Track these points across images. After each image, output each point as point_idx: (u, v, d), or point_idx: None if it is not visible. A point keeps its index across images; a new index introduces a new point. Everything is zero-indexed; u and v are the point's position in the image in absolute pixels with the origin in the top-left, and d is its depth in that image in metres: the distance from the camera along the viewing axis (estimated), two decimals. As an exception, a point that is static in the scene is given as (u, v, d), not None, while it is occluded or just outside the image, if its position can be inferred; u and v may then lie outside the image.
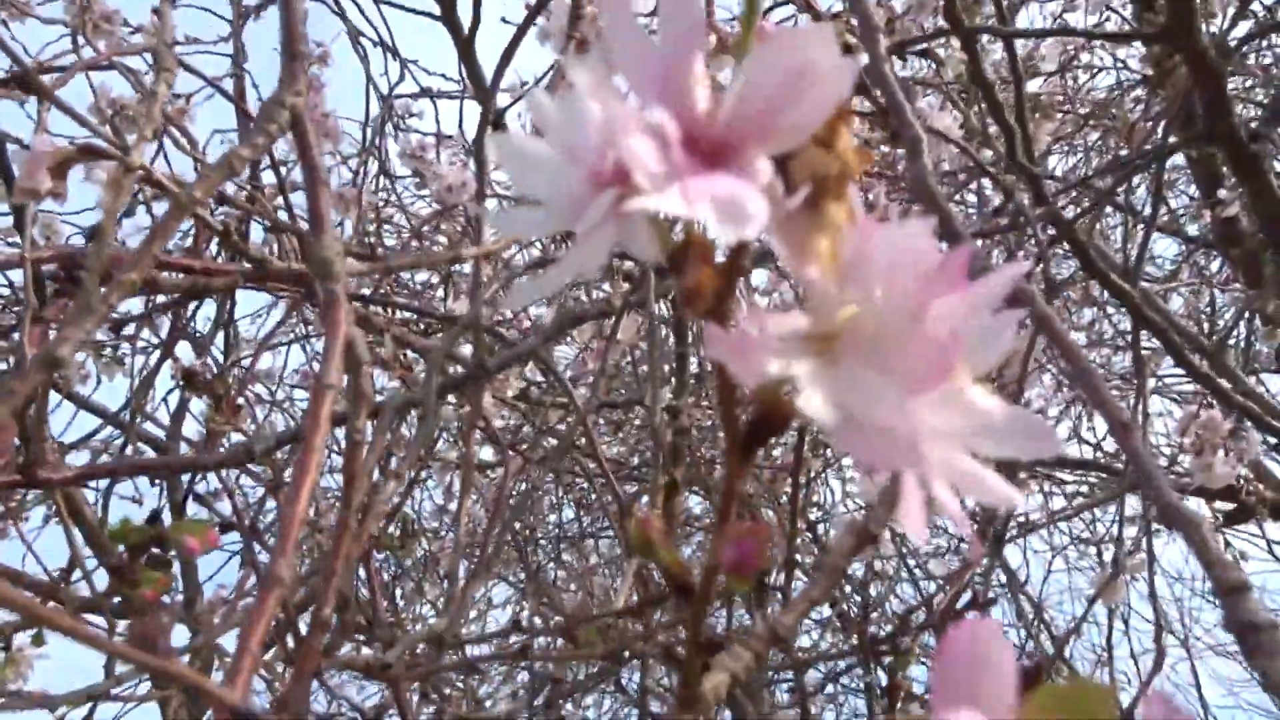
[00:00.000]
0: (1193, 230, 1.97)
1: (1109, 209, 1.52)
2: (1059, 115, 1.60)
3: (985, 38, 1.16)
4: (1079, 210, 1.08)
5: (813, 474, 1.93)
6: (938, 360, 0.23)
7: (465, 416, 1.23)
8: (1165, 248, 2.72)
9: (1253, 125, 0.99)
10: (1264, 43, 1.47)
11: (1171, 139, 1.17)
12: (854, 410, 0.23)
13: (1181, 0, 0.93)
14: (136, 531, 0.58)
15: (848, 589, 1.88)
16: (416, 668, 0.67)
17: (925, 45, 1.02)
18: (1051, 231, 1.06)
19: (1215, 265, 2.03)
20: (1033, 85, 1.69)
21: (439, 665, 0.67)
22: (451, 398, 1.25)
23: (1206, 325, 1.87)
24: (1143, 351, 1.18)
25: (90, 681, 0.75)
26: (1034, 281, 1.22)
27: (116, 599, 0.64)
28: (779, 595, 1.72)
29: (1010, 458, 0.27)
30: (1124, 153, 1.33)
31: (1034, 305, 0.48)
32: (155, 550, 0.78)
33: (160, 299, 0.92)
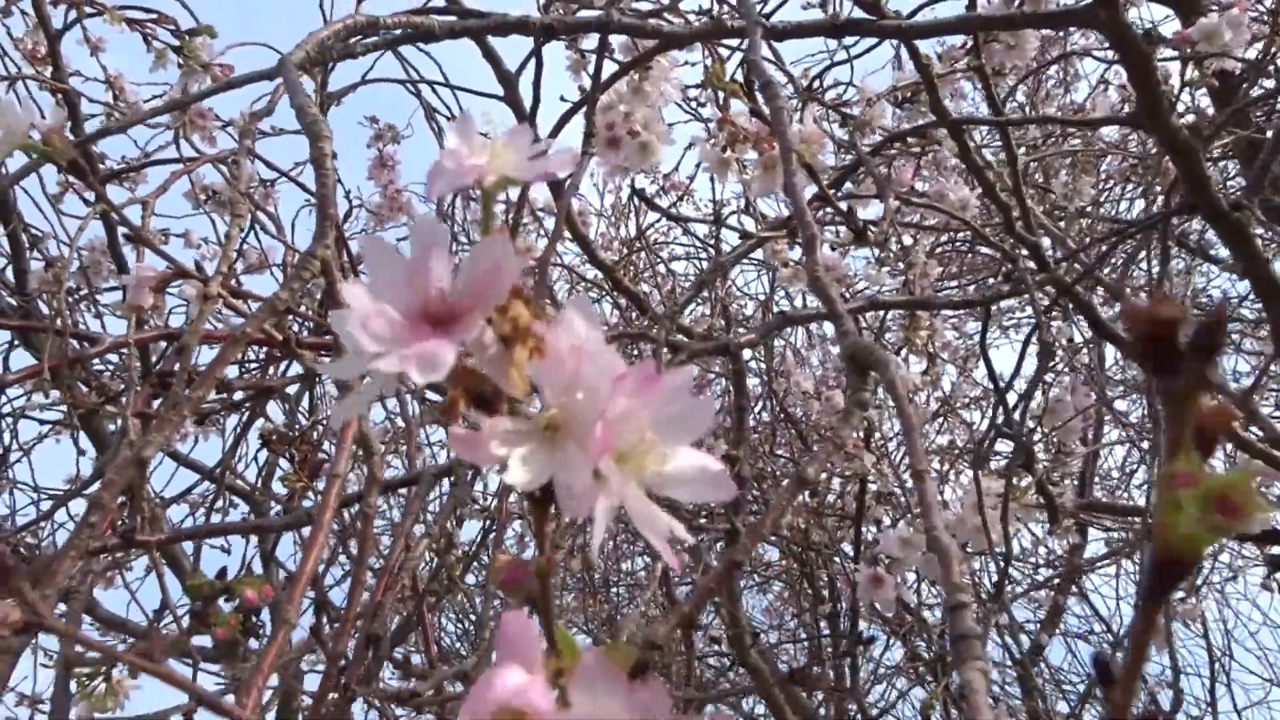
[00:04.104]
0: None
1: (1139, 269, 1.57)
2: (1101, 172, 1.65)
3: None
4: (1078, 275, 1.14)
5: (879, 523, 1.98)
6: (600, 440, 0.35)
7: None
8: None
9: (1233, 196, 1.04)
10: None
11: (1166, 209, 1.22)
12: (557, 476, 0.35)
13: (1149, 87, 1.00)
14: (207, 586, 0.73)
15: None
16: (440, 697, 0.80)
17: (919, 135, 1.13)
18: (1052, 292, 1.14)
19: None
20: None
21: (456, 695, 0.80)
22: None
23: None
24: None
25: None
26: (1031, 343, 1.29)
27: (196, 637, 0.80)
28: (844, 639, 1.78)
29: (698, 500, 0.39)
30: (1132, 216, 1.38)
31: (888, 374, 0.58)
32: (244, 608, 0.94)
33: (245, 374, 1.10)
